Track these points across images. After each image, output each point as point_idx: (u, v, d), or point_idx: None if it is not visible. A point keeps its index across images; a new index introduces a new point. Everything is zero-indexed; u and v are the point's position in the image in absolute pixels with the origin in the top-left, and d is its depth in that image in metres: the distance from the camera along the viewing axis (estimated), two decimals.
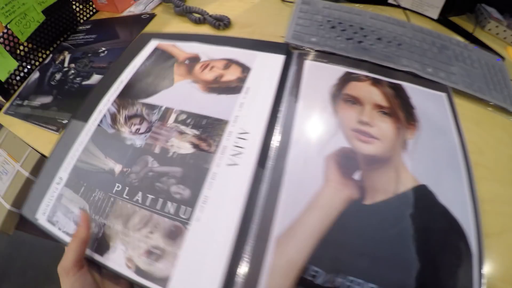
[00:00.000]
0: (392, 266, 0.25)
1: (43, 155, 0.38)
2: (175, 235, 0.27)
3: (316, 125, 0.33)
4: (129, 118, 0.34)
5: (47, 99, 0.41)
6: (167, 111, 0.34)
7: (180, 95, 0.35)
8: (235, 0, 0.57)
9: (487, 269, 0.27)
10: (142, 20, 0.52)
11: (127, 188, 0.29)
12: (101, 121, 0.34)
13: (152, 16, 0.53)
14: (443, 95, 0.39)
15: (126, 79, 0.37)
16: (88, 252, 0.27)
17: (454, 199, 0.29)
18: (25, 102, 0.42)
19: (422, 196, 0.29)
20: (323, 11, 0.47)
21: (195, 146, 0.31)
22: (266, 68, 0.38)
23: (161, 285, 0.25)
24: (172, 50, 0.40)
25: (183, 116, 0.33)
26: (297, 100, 0.35)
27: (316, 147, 0.31)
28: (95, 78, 0.42)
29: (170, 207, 0.28)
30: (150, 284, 0.25)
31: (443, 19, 0.53)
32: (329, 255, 0.26)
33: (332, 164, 0.30)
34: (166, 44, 0.41)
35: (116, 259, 0.27)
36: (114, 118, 0.34)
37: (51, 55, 0.49)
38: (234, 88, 0.35)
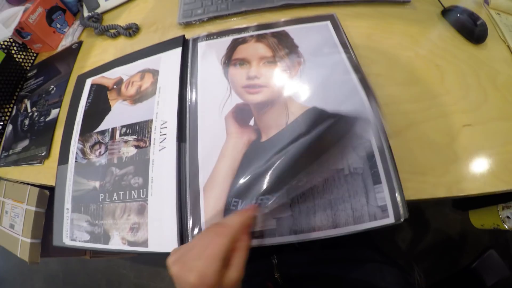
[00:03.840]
0: (294, 175, 0.32)
1: (39, 186, 0.49)
2: (142, 210, 0.37)
3: (214, 94, 0.40)
4: (92, 147, 0.45)
5: (25, 143, 0.52)
6: (113, 130, 0.44)
7: (118, 114, 0.45)
8: (140, 2, 0.63)
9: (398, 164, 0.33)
10: (73, 50, 0.61)
11: (106, 194, 0.40)
12: (76, 158, 0.46)
13: (80, 43, 0.62)
14: (327, 23, 0.42)
15: (80, 120, 0.48)
16: (96, 246, 0.39)
17: (352, 106, 0.34)
18: (10, 152, 0.53)
19: (312, 115, 0.35)
20: None
21: (136, 146, 0.41)
22: (169, 65, 0.45)
23: (145, 246, 0.36)
24: (102, 81, 0.50)
25: (124, 130, 0.43)
26: (197, 80, 0.42)
27: (217, 112, 0.38)
28: (54, 112, 0.53)
29: (134, 194, 0.38)
30: (139, 248, 0.36)
31: None
32: (242, 187, 0.33)
33: (229, 119, 0.37)
34: (97, 79, 0.51)
35: (115, 242, 0.38)
36: (83, 152, 0.45)
37: (15, 107, 0.59)
38: (151, 91, 0.44)
